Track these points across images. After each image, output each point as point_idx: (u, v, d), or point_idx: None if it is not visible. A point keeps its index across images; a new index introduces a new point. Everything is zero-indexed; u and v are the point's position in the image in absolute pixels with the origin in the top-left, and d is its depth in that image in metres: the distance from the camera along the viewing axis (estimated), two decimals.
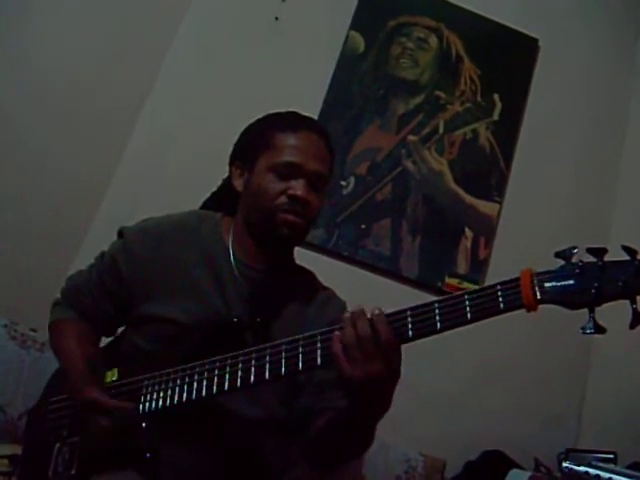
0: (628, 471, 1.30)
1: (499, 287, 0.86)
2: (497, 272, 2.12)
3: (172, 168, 2.22)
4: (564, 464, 1.34)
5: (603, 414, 2.12)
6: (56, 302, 1.27)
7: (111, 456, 1.03)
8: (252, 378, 0.97)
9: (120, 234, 1.22)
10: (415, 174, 2.33)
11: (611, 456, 1.68)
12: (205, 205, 1.31)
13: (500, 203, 2.35)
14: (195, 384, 1.01)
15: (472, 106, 2.42)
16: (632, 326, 0.82)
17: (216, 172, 1.30)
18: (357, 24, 2.43)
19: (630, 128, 2.49)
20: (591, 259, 0.84)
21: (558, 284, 0.84)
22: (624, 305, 0.82)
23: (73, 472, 1.07)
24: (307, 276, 1.26)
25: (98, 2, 2.18)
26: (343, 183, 2.28)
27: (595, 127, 2.50)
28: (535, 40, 2.51)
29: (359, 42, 2.42)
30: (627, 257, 0.82)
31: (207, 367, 1.01)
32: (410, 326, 0.89)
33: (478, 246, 2.29)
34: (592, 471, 1.26)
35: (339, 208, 2.26)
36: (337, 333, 0.90)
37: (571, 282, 0.83)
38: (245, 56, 2.36)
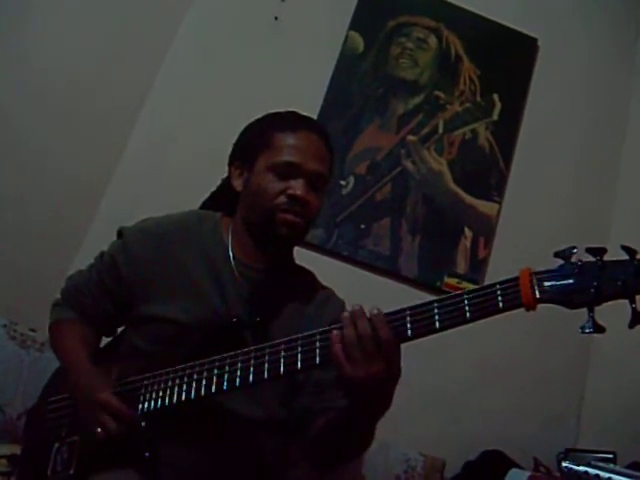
0: (627, 471, 1.30)
1: (498, 286, 0.86)
2: (496, 272, 2.12)
3: (172, 168, 2.22)
4: (563, 464, 1.35)
5: (602, 414, 2.12)
6: (56, 302, 1.27)
7: (110, 456, 1.03)
8: (251, 377, 0.97)
9: (120, 234, 1.22)
10: (415, 174, 2.33)
11: (610, 456, 1.68)
12: (204, 205, 1.31)
13: (499, 203, 2.35)
14: (194, 384, 1.01)
15: (471, 106, 2.42)
16: (631, 325, 0.82)
17: (216, 172, 1.30)
18: (357, 24, 2.43)
19: (630, 128, 2.49)
20: (590, 259, 0.84)
21: (557, 283, 0.84)
22: (623, 305, 0.82)
23: (72, 472, 1.07)
24: (307, 276, 1.26)
25: (98, 2, 2.18)
26: (343, 183, 2.28)
27: (595, 127, 2.50)
28: (534, 40, 2.51)
29: (359, 42, 2.42)
30: (626, 257, 0.82)
31: (206, 367, 1.01)
32: (409, 325, 0.89)
33: (477, 246, 2.29)
34: (591, 471, 1.27)
35: (339, 208, 2.26)
36: (336, 332, 0.90)
37: (570, 281, 0.84)
38: (245, 56, 2.36)
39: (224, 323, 1.09)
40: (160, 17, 2.33)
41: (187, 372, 1.03)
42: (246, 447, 1.11)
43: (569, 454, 1.78)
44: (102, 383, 1.06)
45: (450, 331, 0.89)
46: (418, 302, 0.90)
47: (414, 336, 0.89)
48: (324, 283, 1.26)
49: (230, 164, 1.23)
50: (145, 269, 1.15)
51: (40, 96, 1.99)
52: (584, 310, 0.84)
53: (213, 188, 1.32)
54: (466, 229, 2.30)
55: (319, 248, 2.18)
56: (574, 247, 0.86)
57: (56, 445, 1.11)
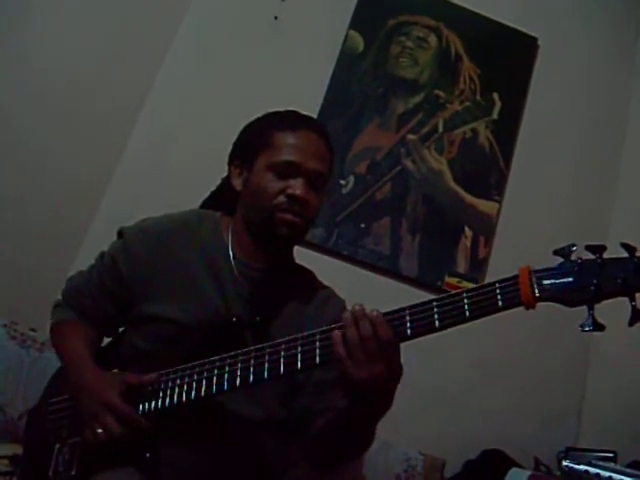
0: (628, 470, 1.30)
1: (498, 285, 0.86)
2: (497, 271, 2.10)
3: (172, 168, 2.22)
4: (564, 463, 1.35)
5: (603, 413, 2.12)
6: (57, 304, 1.27)
7: (111, 456, 1.03)
8: (251, 378, 0.97)
9: (120, 234, 1.22)
10: (415, 173, 2.33)
11: (611, 455, 1.68)
12: (204, 204, 1.31)
13: (500, 202, 2.35)
14: (194, 384, 1.01)
15: (471, 105, 2.42)
16: (631, 323, 0.82)
17: (216, 172, 1.30)
18: (356, 23, 2.43)
19: (630, 128, 2.49)
20: (590, 256, 0.84)
21: (557, 281, 0.84)
22: (623, 303, 0.82)
23: (73, 472, 1.07)
24: (307, 275, 1.26)
25: (98, 2, 2.18)
26: (342, 182, 2.28)
27: (595, 127, 2.50)
28: (535, 39, 2.51)
29: (358, 41, 2.42)
30: (626, 254, 0.82)
31: (206, 367, 1.01)
32: (409, 324, 0.89)
33: (478, 245, 2.29)
34: (592, 470, 1.27)
35: (339, 207, 2.26)
36: (338, 333, 0.90)
37: (570, 279, 0.84)
38: (245, 56, 2.36)
39: (224, 323, 1.09)
40: (160, 17, 2.33)
41: (187, 372, 1.03)
42: (246, 447, 1.11)
43: (569, 453, 1.78)
44: (105, 383, 1.05)
45: (450, 330, 0.89)
46: (418, 301, 0.90)
47: (414, 335, 0.89)
48: (324, 282, 1.26)
49: (230, 163, 1.23)
50: (145, 269, 1.15)
51: (40, 96, 1.99)
52: (584, 308, 0.84)
53: (213, 188, 1.32)
54: (466, 228, 2.30)
55: (319, 247, 2.18)
56: (573, 245, 0.86)
57: (57, 446, 1.11)
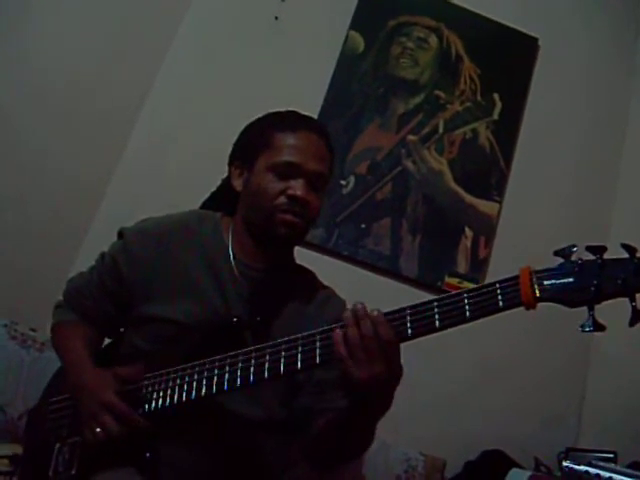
0: (628, 470, 1.30)
1: (498, 285, 0.86)
2: (497, 271, 2.11)
3: (172, 168, 2.22)
4: (564, 463, 1.34)
5: (603, 413, 2.12)
6: (58, 304, 1.27)
7: (111, 456, 1.03)
8: (251, 378, 0.97)
9: (120, 235, 1.22)
10: (415, 173, 2.33)
11: (611, 455, 1.68)
12: (205, 205, 1.31)
13: (500, 202, 2.35)
14: (195, 384, 1.01)
15: (472, 105, 2.42)
16: (631, 324, 0.82)
17: (216, 172, 1.30)
18: (357, 24, 2.43)
19: (630, 128, 2.49)
20: (590, 257, 0.84)
21: (557, 282, 0.84)
22: (623, 303, 0.82)
23: (73, 472, 1.07)
24: (307, 275, 1.26)
25: (98, 2, 2.18)
26: (343, 182, 2.28)
27: (595, 127, 2.50)
28: (535, 39, 2.51)
29: (359, 42, 2.42)
30: (626, 255, 0.82)
31: (207, 367, 1.01)
32: (409, 325, 0.89)
33: (478, 245, 2.29)
34: (592, 470, 1.26)
35: (339, 207, 2.26)
36: (338, 331, 0.90)
37: (570, 280, 0.84)
38: (245, 56, 2.36)
39: (224, 323, 1.09)
40: (160, 17, 2.33)
41: (187, 372, 1.03)
42: (246, 447, 1.11)
43: (570, 454, 1.78)
44: (104, 383, 1.05)
45: (450, 331, 0.89)
46: (418, 301, 0.90)
47: (414, 335, 0.89)
48: (325, 283, 1.26)
49: (230, 164, 1.23)
50: (145, 269, 1.15)
51: (40, 96, 1.99)
52: (584, 309, 0.84)
53: (213, 188, 1.32)
54: (466, 229, 2.30)
55: (319, 248, 2.18)
56: (574, 245, 0.86)
57: (57, 445, 1.11)
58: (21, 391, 1.72)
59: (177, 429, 1.05)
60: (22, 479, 1.25)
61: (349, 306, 0.93)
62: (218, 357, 1.00)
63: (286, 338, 0.96)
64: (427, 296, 0.92)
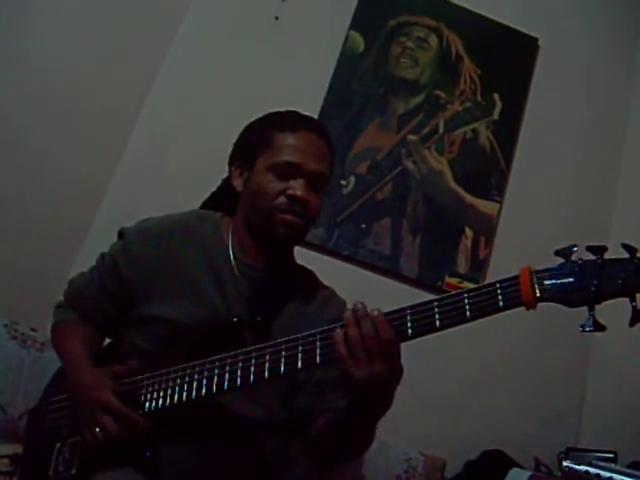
0: (628, 470, 1.30)
1: (498, 285, 0.86)
2: (497, 271, 2.11)
3: (172, 168, 2.22)
4: (564, 463, 1.34)
5: (603, 413, 2.12)
6: (58, 305, 1.27)
7: (111, 455, 1.03)
8: (252, 377, 0.97)
9: (120, 235, 1.22)
10: (415, 173, 2.33)
11: (611, 455, 1.68)
12: (205, 205, 1.31)
13: (500, 202, 2.35)
14: (195, 383, 1.01)
15: (472, 105, 2.42)
16: (632, 324, 0.82)
17: (216, 172, 1.30)
18: (357, 24, 2.43)
19: (630, 128, 2.49)
20: (591, 257, 0.84)
21: (558, 282, 0.84)
22: (624, 303, 0.82)
23: (73, 472, 1.07)
24: (307, 275, 1.26)
25: (98, 2, 2.18)
26: (343, 182, 2.28)
27: (595, 127, 2.50)
28: (535, 39, 2.51)
29: (359, 42, 2.42)
30: (627, 255, 0.82)
31: (207, 366, 1.01)
32: (410, 324, 0.89)
33: (478, 245, 2.29)
34: (592, 470, 1.26)
35: (339, 207, 2.26)
36: (339, 331, 0.90)
37: (571, 280, 0.84)
38: (245, 55, 2.36)
39: (224, 323, 1.09)
40: (160, 17, 2.33)
41: (187, 372, 1.03)
42: (246, 447, 1.11)
43: (570, 453, 1.78)
44: (102, 383, 1.06)
45: (450, 330, 0.89)
46: (418, 301, 0.90)
47: (414, 335, 0.89)
48: (325, 283, 1.26)
49: (230, 164, 1.23)
50: (146, 269, 1.15)
51: (40, 96, 1.99)
52: (584, 309, 0.84)
53: (213, 188, 1.32)
54: (467, 229, 2.30)
55: (320, 248, 2.18)
56: (574, 245, 0.86)
57: (58, 445, 1.11)
58: (21, 391, 1.72)
59: (177, 429, 1.05)
60: (22, 479, 1.25)
61: (350, 306, 0.93)
62: (218, 357, 1.01)
63: (286, 338, 0.96)
64: (427, 296, 0.92)
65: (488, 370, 2.17)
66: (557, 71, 2.51)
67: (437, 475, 1.98)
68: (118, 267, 1.18)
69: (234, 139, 1.25)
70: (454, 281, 2.23)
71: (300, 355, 0.94)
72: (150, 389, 1.05)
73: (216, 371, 1.00)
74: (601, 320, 0.83)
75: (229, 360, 0.99)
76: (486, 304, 0.86)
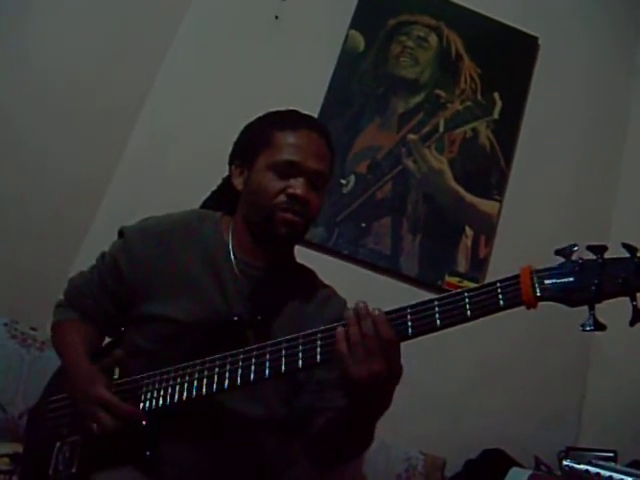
0: (628, 469, 1.30)
1: (499, 284, 0.86)
2: (497, 271, 2.10)
3: (172, 168, 2.22)
4: (564, 462, 1.34)
5: (603, 412, 2.12)
6: (58, 304, 1.27)
7: (111, 454, 1.03)
8: (252, 376, 0.97)
9: (120, 234, 1.23)
10: (415, 173, 2.33)
11: (611, 454, 1.68)
12: (205, 204, 1.32)
13: (500, 202, 2.35)
14: (195, 382, 1.01)
15: (472, 105, 2.42)
16: (632, 323, 0.82)
17: (216, 171, 1.30)
18: (357, 23, 2.43)
19: (630, 128, 2.49)
20: (591, 256, 0.84)
21: (558, 281, 0.84)
22: (624, 303, 0.82)
23: (74, 470, 1.07)
24: (307, 274, 1.26)
25: (98, 2, 2.18)
26: (343, 181, 2.28)
27: (595, 127, 2.50)
28: (535, 38, 2.51)
29: (359, 41, 2.42)
30: (627, 255, 0.83)
31: (207, 365, 1.01)
32: (410, 324, 0.89)
33: (478, 245, 2.29)
34: (592, 469, 1.26)
35: (339, 207, 2.26)
36: (340, 329, 0.90)
37: (571, 279, 0.84)
38: (245, 55, 2.36)
39: (225, 322, 1.09)
40: (160, 17, 2.33)
41: (188, 371, 1.03)
42: (247, 446, 1.11)
43: (570, 453, 1.79)
44: (94, 379, 1.06)
45: (450, 330, 0.89)
46: (419, 301, 0.90)
47: (415, 334, 0.89)
48: (325, 282, 1.26)
49: (231, 163, 1.24)
50: (146, 268, 1.16)
51: (40, 96, 1.99)
52: (585, 308, 0.84)
53: (213, 187, 1.32)
54: (467, 228, 2.30)
55: (320, 247, 2.18)
56: (575, 245, 0.86)
57: (58, 444, 1.11)
58: (21, 390, 1.72)
59: (178, 427, 1.05)
60: (22, 478, 1.25)
61: (351, 305, 0.93)
62: (219, 356, 1.01)
63: (287, 337, 0.96)
64: (427, 295, 0.92)
65: (488, 369, 2.17)
66: (557, 71, 2.51)
67: (437, 474, 1.98)
68: (118, 266, 1.18)
69: (234, 139, 1.25)
70: (454, 280, 2.23)
71: (301, 354, 0.94)
72: (150, 388, 1.05)
73: (216, 370, 1.00)
74: (601, 319, 0.83)
75: (229, 359, 1.00)
76: (487, 303, 0.86)
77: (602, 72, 2.54)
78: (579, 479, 1.27)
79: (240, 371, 0.98)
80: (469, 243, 2.29)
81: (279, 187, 1.12)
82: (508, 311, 0.86)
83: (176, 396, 1.02)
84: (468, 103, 2.42)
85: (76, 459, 1.08)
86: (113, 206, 2.15)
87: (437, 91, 2.41)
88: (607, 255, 0.84)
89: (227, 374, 0.99)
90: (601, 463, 1.30)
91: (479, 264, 2.27)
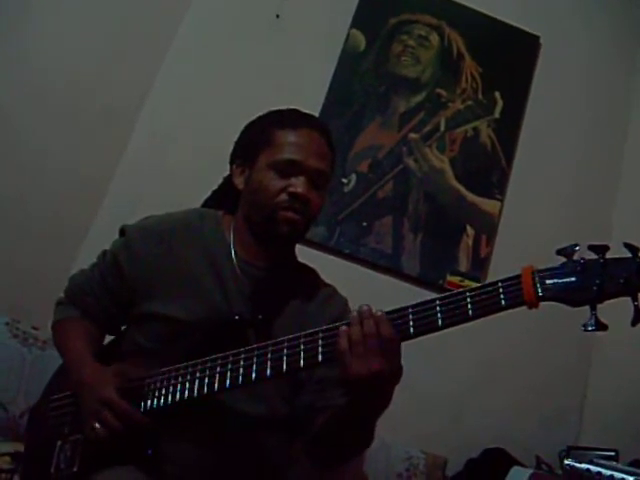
0: (629, 468, 1.30)
1: (500, 284, 0.86)
2: (498, 270, 2.12)
3: (172, 168, 2.22)
4: (565, 461, 1.34)
5: (604, 412, 2.12)
6: (59, 301, 1.27)
7: (113, 453, 1.03)
8: (254, 375, 0.97)
9: (122, 232, 1.22)
10: (416, 172, 2.33)
11: (612, 453, 1.68)
12: (206, 203, 1.31)
13: (501, 201, 2.35)
14: (197, 381, 1.01)
15: (473, 104, 2.42)
16: (633, 323, 0.83)
17: (216, 171, 1.30)
18: (358, 22, 2.43)
19: (630, 128, 2.49)
20: (593, 256, 0.84)
21: (559, 281, 0.84)
22: (625, 303, 0.82)
23: (75, 469, 1.07)
24: (309, 273, 1.26)
25: (98, 2, 2.18)
26: (344, 180, 2.28)
27: (595, 127, 2.50)
28: (536, 37, 2.51)
29: (360, 40, 2.42)
30: (629, 254, 0.82)
31: (209, 365, 1.01)
32: (412, 323, 0.89)
33: (479, 244, 2.29)
34: (593, 468, 1.26)
35: (340, 206, 2.26)
36: (343, 327, 0.90)
37: (572, 279, 0.84)
38: (246, 54, 2.36)
39: (226, 321, 1.09)
40: (160, 17, 2.33)
41: (189, 370, 1.03)
42: (248, 444, 1.11)
43: (571, 452, 1.78)
44: (104, 380, 1.06)
45: (452, 329, 0.89)
46: (420, 300, 0.90)
47: (416, 334, 0.89)
48: (326, 281, 1.26)
49: (232, 162, 1.23)
50: (147, 267, 1.15)
51: (40, 96, 1.99)
52: (586, 308, 0.84)
53: (214, 187, 1.32)
54: (468, 227, 2.30)
55: (321, 246, 2.18)
56: (576, 245, 0.86)
57: (59, 443, 1.11)
58: (23, 389, 1.72)
59: (179, 427, 1.05)
60: (24, 476, 1.25)
61: (351, 305, 0.93)
62: (220, 355, 1.01)
63: (288, 336, 0.96)
64: (429, 294, 0.92)
65: (490, 369, 2.17)
66: (557, 70, 2.51)
67: (438, 473, 1.98)
68: (119, 264, 1.18)
69: (234, 138, 1.25)
70: (455, 279, 2.23)
71: (302, 354, 0.94)
72: (152, 387, 1.05)
73: (218, 369, 1.00)
74: (603, 319, 0.83)
75: (231, 358, 1.00)
76: (488, 303, 0.86)
77: (602, 72, 2.54)
78: (580, 478, 1.26)
79: (241, 370, 0.98)
80: (470, 242, 2.29)
81: (280, 186, 1.12)
82: (509, 311, 0.87)
83: (177, 395, 1.02)
84: (469, 102, 2.41)
85: (77, 458, 1.08)
86: (114, 206, 2.15)
87: (438, 90, 2.41)
88: (608, 255, 0.84)
89: (228, 373, 0.99)
90: (602, 462, 1.29)
91: (480, 263, 2.27)
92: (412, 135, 2.36)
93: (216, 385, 1.00)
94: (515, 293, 0.85)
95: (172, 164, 2.23)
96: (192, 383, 1.02)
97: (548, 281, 0.84)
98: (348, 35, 2.42)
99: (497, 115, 2.42)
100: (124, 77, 2.19)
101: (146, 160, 2.22)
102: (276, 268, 1.17)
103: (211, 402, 1.05)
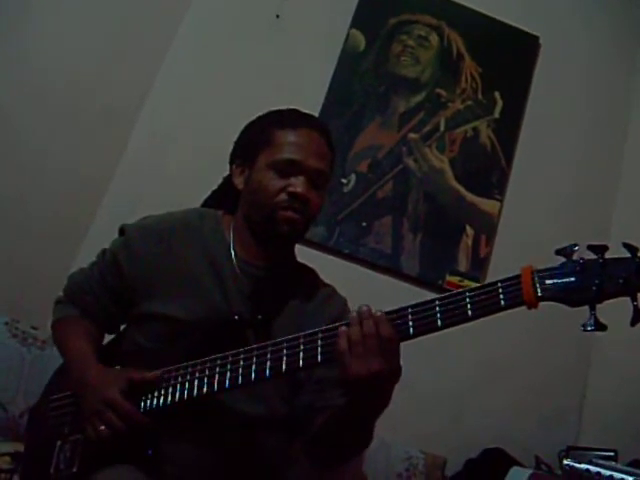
0: (629, 469, 1.30)
1: (500, 284, 0.86)
2: (498, 270, 2.12)
3: (172, 167, 2.22)
4: (565, 462, 1.34)
5: (603, 412, 2.13)
6: (58, 300, 1.27)
7: (113, 453, 1.03)
8: (253, 376, 0.97)
9: (121, 231, 1.22)
10: (416, 172, 2.33)
11: (612, 454, 1.68)
12: (206, 203, 1.31)
13: (501, 201, 2.35)
14: (196, 382, 1.01)
15: (473, 104, 2.42)
16: (633, 323, 0.83)
17: (216, 171, 1.30)
18: (358, 22, 2.43)
19: (630, 128, 2.49)
20: (592, 256, 0.84)
21: (559, 281, 0.84)
22: (625, 303, 0.82)
23: (75, 469, 1.07)
24: (308, 273, 1.26)
25: (98, 2, 2.18)
26: (344, 181, 2.28)
27: (595, 127, 2.50)
28: (536, 38, 2.51)
29: (360, 40, 2.42)
30: (628, 254, 0.83)
31: (208, 365, 1.01)
32: (411, 324, 0.89)
33: (479, 244, 2.29)
34: (593, 468, 1.26)
35: (340, 206, 2.26)
36: (343, 328, 0.90)
37: (572, 279, 0.84)
38: (246, 54, 2.36)
39: (225, 321, 1.09)
40: (160, 17, 2.33)
41: (189, 370, 1.03)
42: (248, 444, 1.11)
43: (570, 452, 1.79)
44: (108, 381, 1.05)
45: (451, 329, 0.89)
46: (419, 300, 0.90)
47: (416, 334, 0.89)
48: (326, 281, 1.26)
49: (231, 162, 1.23)
50: (147, 266, 1.15)
51: (40, 96, 1.99)
52: (585, 308, 0.84)
53: (214, 187, 1.32)
54: (467, 227, 2.30)
55: (320, 246, 2.18)
56: (575, 245, 0.86)
57: (59, 443, 1.11)
58: (22, 389, 1.72)
59: (179, 427, 1.05)
60: (23, 476, 1.25)
61: (351, 306, 0.93)
62: (220, 355, 1.01)
63: (288, 337, 0.96)
64: (428, 294, 0.92)
65: (489, 369, 2.18)
66: (557, 70, 2.51)
67: (438, 473, 1.98)
68: (119, 263, 1.18)
69: (234, 138, 1.25)
70: (455, 279, 2.23)
71: (301, 354, 0.94)
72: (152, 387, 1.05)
73: (217, 369, 1.00)
74: (602, 320, 0.83)
75: (230, 358, 1.00)
76: (488, 303, 0.86)
77: (602, 72, 2.54)
78: (579, 478, 1.27)
79: (241, 370, 0.98)
80: (470, 242, 2.29)
81: (280, 186, 1.12)
82: (509, 311, 0.87)
83: (177, 395, 1.02)
84: (469, 102, 2.42)
85: (77, 458, 1.08)
86: (113, 206, 2.15)
87: (438, 90, 2.41)
88: (608, 255, 0.84)
89: (228, 374, 0.99)
90: (601, 462, 1.30)
91: (480, 263, 2.27)
92: (412, 135, 2.36)
93: (215, 385, 1.00)
94: (514, 293, 0.85)
95: (172, 164, 2.23)
96: (192, 383, 1.02)
97: (547, 281, 0.84)
98: (348, 35, 2.42)
99: (497, 115, 2.42)
100: (124, 77, 2.19)
101: (146, 160, 2.22)
102: (276, 268, 1.17)
103: (210, 402, 1.05)
